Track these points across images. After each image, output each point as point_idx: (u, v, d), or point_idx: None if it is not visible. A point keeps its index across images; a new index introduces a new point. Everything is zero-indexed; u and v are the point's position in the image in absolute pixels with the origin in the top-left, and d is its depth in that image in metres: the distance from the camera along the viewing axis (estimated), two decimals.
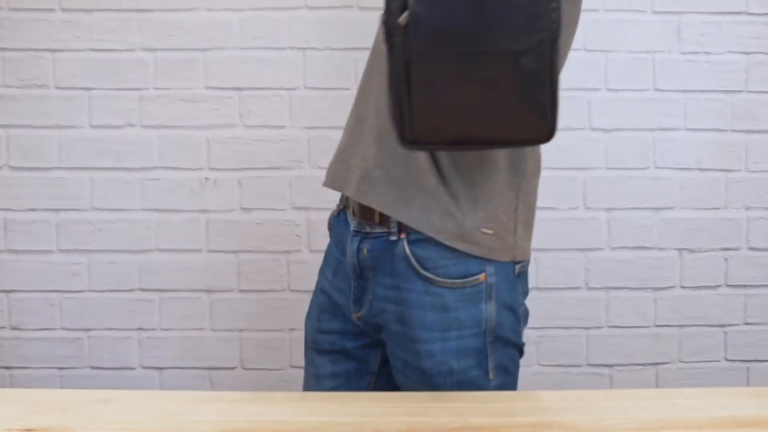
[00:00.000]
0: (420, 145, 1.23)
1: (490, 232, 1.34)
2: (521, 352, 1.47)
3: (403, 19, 1.13)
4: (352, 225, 1.46)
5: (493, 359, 1.39)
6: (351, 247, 1.45)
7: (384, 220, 1.40)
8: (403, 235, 1.37)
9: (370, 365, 1.53)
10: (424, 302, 1.36)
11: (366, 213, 1.43)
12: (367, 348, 1.52)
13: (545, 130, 1.23)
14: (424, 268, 1.35)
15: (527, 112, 1.20)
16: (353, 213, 1.46)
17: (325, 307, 1.55)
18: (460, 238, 1.34)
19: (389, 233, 1.39)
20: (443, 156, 1.35)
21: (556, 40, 1.18)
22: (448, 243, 1.34)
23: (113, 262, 2.49)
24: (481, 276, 1.35)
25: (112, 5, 2.43)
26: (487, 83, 1.17)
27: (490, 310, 1.36)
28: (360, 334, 1.50)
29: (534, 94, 1.19)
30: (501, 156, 1.36)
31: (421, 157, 1.34)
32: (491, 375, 1.39)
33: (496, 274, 1.36)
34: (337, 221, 1.55)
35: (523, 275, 1.45)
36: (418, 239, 1.37)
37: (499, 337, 1.38)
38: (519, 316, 1.42)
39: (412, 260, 1.36)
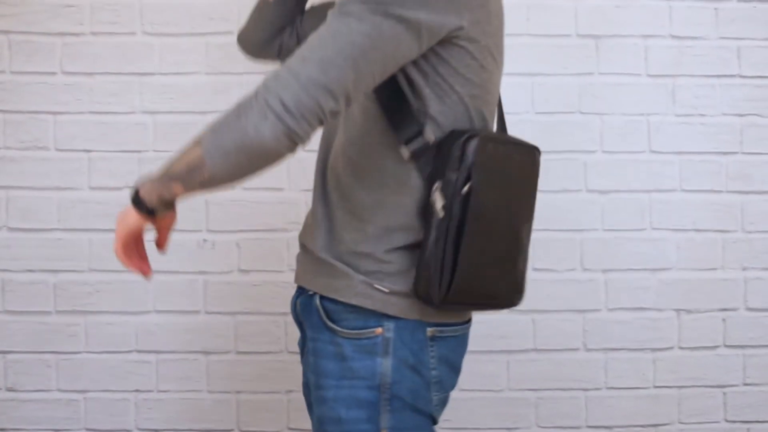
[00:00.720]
0: (449, 305, 1.33)
1: (386, 290, 1.37)
2: (433, 421, 1.44)
3: (466, 189, 1.29)
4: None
5: (388, 418, 1.37)
6: (293, 302, 1.58)
7: None
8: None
9: None
10: (328, 351, 1.40)
11: None
12: None
13: (521, 297, 1.46)
14: (331, 320, 1.40)
15: (520, 282, 1.43)
16: None
17: (303, 362, 1.59)
18: (354, 293, 1.38)
19: (309, 289, 1.47)
20: (342, 228, 1.43)
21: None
22: (344, 300, 1.39)
23: (110, 323, 2.48)
24: (378, 329, 1.37)
25: (113, 69, 2.47)
26: (510, 256, 1.38)
27: (385, 364, 1.36)
28: None
29: (523, 264, 1.43)
30: (395, 220, 1.38)
31: (322, 231, 1.45)
32: None
33: (395, 330, 1.37)
34: None
35: (441, 340, 1.41)
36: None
37: (397, 396, 1.37)
38: (428, 380, 1.39)
39: (322, 313, 1.42)
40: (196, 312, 2.48)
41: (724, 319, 2.53)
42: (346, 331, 1.38)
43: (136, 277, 2.43)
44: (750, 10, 2.52)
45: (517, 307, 2.44)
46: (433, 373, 1.39)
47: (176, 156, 1.31)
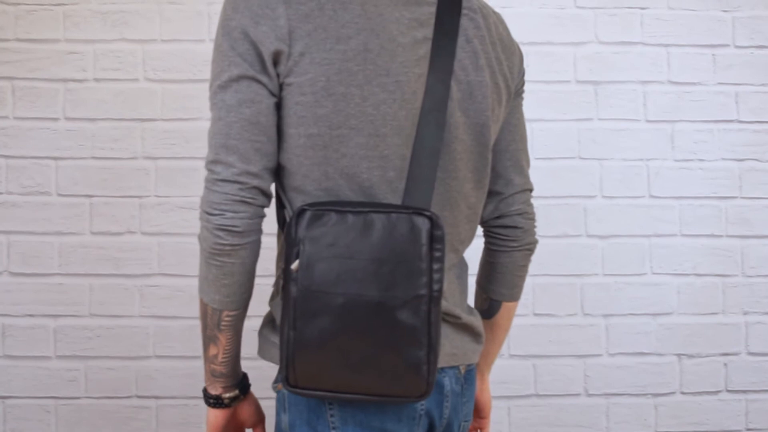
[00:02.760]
0: (302, 390, 1.26)
1: (276, 342, 1.37)
2: None
3: (294, 266, 1.21)
4: None
5: None
6: None
7: None
8: None
9: None
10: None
11: None
12: None
13: (421, 386, 1.25)
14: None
15: (402, 367, 1.23)
16: None
17: None
18: (260, 348, 1.41)
19: None
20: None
21: (437, 300, 1.23)
22: (258, 354, 1.41)
23: (110, 368, 2.48)
24: (279, 385, 1.37)
25: (115, 114, 2.48)
26: (365, 334, 1.22)
27: (285, 420, 1.35)
28: None
29: (410, 349, 1.23)
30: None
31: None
32: None
33: None
34: None
35: (345, 401, 1.30)
36: None
37: None
38: None
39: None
40: (196, 357, 2.47)
41: (725, 364, 2.52)
42: (273, 384, 1.40)
43: (136, 322, 2.47)
44: (747, 56, 2.55)
45: (518, 352, 2.48)
46: None
47: None
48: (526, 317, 2.49)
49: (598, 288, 2.50)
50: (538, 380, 2.50)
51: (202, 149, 2.48)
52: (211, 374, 1.37)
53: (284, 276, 1.23)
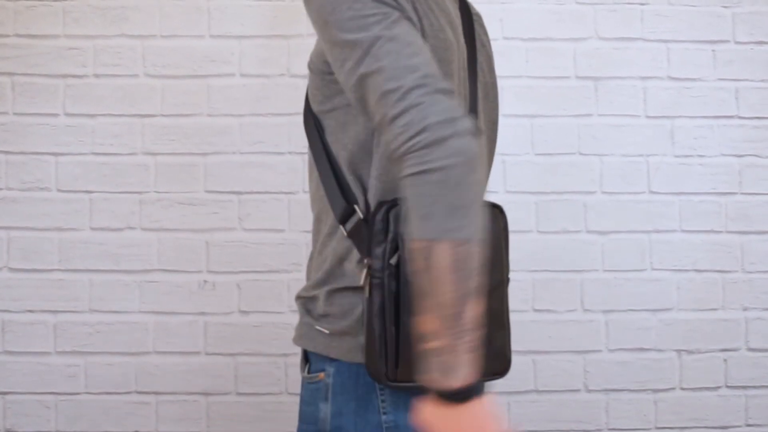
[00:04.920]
0: (402, 383, 1.26)
1: (326, 331, 1.34)
2: None
3: (394, 260, 1.22)
4: None
5: None
6: None
7: None
8: None
9: None
10: (300, 395, 1.41)
11: None
12: None
13: (505, 364, 1.37)
14: (307, 363, 1.40)
15: (493, 349, 1.32)
16: None
17: None
18: (300, 336, 1.39)
19: None
20: (307, 274, 1.42)
21: (506, 285, 1.36)
22: (295, 343, 1.40)
23: (110, 364, 2.48)
24: (320, 374, 1.34)
25: (115, 110, 2.48)
26: None
27: (325, 410, 1.33)
28: None
29: (497, 332, 1.33)
30: (340, 262, 1.35)
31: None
32: None
33: (335, 375, 1.33)
34: None
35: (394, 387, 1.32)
36: None
37: None
38: (377, 425, 1.31)
39: (301, 356, 1.42)
40: (197, 353, 2.47)
41: (725, 360, 2.53)
42: (305, 375, 1.38)
43: (135, 317, 2.47)
44: (747, 51, 2.55)
45: (518, 348, 2.47)
46: (385, 417, 1.31)
47: (428, 309, 1.14)
48: (526, 313, 2.49)
49: (597, 284, 2.50)
50: (538, 376, 2.50)
51: (202, 145, 2.48)
52: (473, 350, 1.13)
53: (372, 270, 1.24)
